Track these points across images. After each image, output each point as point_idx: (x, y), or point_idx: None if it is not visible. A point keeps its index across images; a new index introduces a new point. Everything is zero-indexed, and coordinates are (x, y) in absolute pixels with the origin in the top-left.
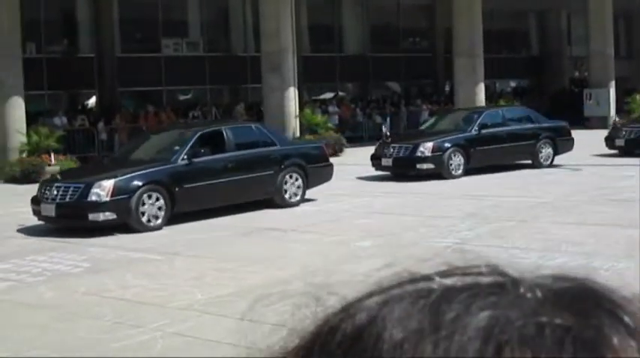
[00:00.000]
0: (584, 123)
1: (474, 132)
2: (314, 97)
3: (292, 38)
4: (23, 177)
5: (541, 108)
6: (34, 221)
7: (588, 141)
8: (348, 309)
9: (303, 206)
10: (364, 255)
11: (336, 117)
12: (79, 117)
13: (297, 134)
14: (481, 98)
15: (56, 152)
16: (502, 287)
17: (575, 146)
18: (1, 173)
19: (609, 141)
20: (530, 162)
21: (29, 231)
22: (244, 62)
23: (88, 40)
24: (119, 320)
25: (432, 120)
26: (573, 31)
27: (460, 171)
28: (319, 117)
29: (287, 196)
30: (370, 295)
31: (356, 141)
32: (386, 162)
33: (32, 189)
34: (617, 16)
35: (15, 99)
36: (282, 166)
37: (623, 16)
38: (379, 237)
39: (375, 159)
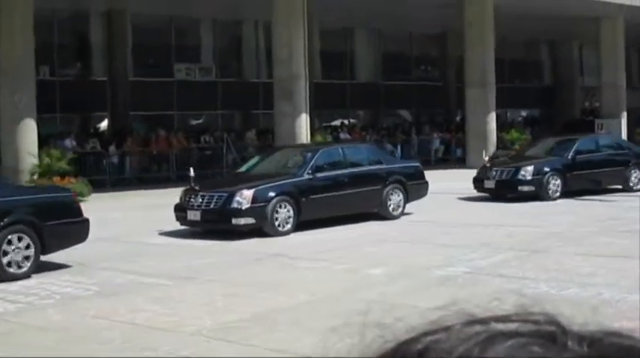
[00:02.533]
0: None
1: (305, 177)
2: (325, 124)
3: (304, 65)
4: None
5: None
6: None
7: None
8: (410, 342)
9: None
10: (376, 282)
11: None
12: (90, 141)
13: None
14: (492, 127)
15: (67, 174)
16: (552, 339)
17: None
18: None
19: (477, 183)
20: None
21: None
22: (256, 88)
23: (101, 63)
24: (128, 344)
25: (254, 160)
26: (585, 61)
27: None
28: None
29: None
30: (428, 333)
31: None
32: None
33: None
34: (629, 46)
35: (27, 121)
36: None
37: (635, 47)
38: (389, 265)
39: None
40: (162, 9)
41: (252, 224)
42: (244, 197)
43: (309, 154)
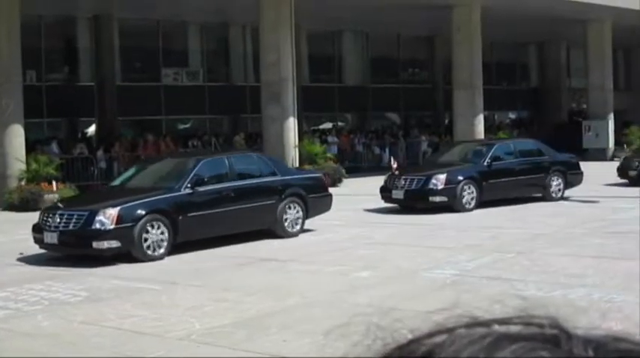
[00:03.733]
0: (583, 154)
1: (184, 191)
2: (313, 127)
3: (292, 68)
4: (22, 205)
5: (542, 139)
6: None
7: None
8: (412, 344)
9: (303, 236)
10: (363, 285)
11: (335, 147)
12: (78, 146)
13: (297, 164)
14: (480, 129)
15: (55, 180)
16: (556, 343)
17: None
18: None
19: (385, 193)
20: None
21: (28, 260)
22: (244, 92)
23: (88, 68)
24: (117, 349)
25: (131, 171)
26: (572, 63)
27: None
28: (318, 147)
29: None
30: (431, 334)
31: (355, 171)
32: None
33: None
34: (616, 48)
35: (15, 126)
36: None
37: (622, 49)
38: (378, 267)
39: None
40: (150, 13)
41: (116, 248)
42: (108, 216)
43: (189, 165)
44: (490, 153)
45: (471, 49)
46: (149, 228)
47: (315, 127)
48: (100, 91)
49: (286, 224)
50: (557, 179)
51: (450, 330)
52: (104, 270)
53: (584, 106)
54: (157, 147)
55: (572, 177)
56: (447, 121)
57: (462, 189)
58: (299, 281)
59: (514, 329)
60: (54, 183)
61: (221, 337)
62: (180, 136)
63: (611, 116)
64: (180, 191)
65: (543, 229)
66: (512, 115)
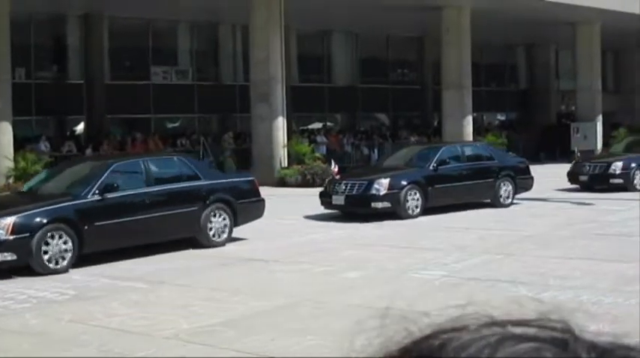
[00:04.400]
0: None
1: (91, 198)
2: (302, 127)
3: (282, 68)
4: None
5: (531, 141)
6: None
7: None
8: (427, 339)
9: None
10: (353, 286)
11: (324, 147)
12: (66, 144)
13: (285, 164)
14: (469, 131)
15: None
16: (564, 346)
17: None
18: None
19: (325, 198)
20: None
21: None
22: (233, 91)
23: (77, 66)
24: (105, 348)
25: (42, 175)
26: (561, 65)
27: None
28: (306, 147)
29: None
30: (445, 331)
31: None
32: None
33: None
34: (605, 50)
35: (3, 124)
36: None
37: (610, 51)
38: (367, 268)
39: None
40: (140, 12)
41: (12, 261)
42: (2, 226)
43: (99, 170)
44: (436, 157)
45: (460, 50)
46: (49, 239)
47: (304, 127)
48: (89, 89)
49: (211, 233)
50: (507, 184)
51: (464, 327)
52: (94, 269)
53: (573, 108)
54: (146, 146)
55: (522, 182)
56: (436, 122)
57: (406, 195)
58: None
59: (528, 330)
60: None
61: (209, 336)
62: (169, 135)
63: (600, 118)
64: (86, 198)
65: (490, 239)
66: (500, 117)
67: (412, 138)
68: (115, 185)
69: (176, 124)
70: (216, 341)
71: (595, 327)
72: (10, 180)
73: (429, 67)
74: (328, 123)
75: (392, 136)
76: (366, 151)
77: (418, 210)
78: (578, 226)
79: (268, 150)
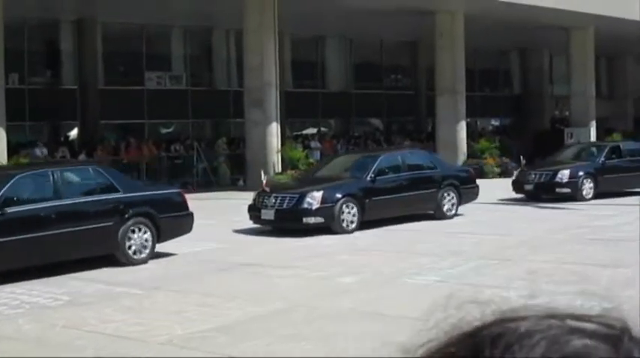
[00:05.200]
0: None
1: None
2: (296, 133)
3: (275, 73)
4: None
5: (524, 146)
6: None
7: None
8: (491, 326)
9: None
10: (348, 290)
11: (318, 152)
12: (60, 149)
13: (279, 169)
14: (462, 136)
15: None
16: (616, 343)
17: None
18: None
19: (253, 213)
20: None
21: None
22: (227, 96)
23: (71, 71)
24: (99, 354)
25: None
26: (555, 70)
27: None
28: (300, 153)
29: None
30: (506, 320)
31: None
32: None
33: None
34: (599, 56)
35: None
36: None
37: (604, 57)
38: (363, 273)
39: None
40: (133, 17)
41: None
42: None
43: (0, 181)
44: (374, 167)
45: (454, 55)
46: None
47: (298, 133)
48: (82, 95)
49: (130, 250)
50: (450, 194)
51: (524, 318)
52: (85, 274)
53: (567, 113)
54: (140, 152)
55: (467, 191)
56: (429, 128)
57: (341, 209)
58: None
59: (586, 326)
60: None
61: (203, 342)
62: (163, 140)
63: (594, 123)
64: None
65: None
66: (494, 122)
67: (406, 144)
68: (17, 198)
69: (170, 130)
70: (210, 347)
71: None
72: None
73: (423, 72)
74: (322, 129)
75: (386, 141)
76: None
77: (354, 224)
78: (515, 241)
79: (262, 155)
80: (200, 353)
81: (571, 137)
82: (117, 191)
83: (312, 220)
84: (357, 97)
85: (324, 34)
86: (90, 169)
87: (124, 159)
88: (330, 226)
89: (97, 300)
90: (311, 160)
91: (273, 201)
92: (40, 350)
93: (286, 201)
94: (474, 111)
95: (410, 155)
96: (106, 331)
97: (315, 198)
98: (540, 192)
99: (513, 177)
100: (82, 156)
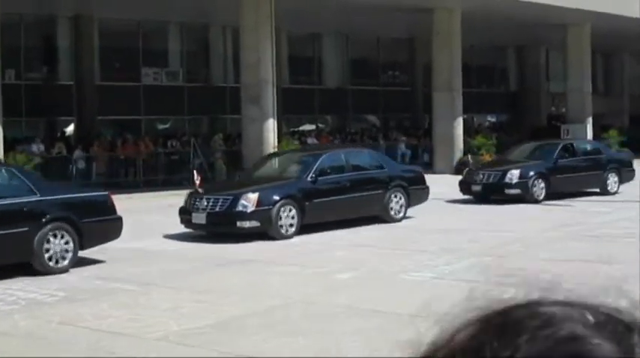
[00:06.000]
0: None
1: None
2: (293, 129)
3: (272, 70)
4: None
5: (521, 143)
6: None
7: None
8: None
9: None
10: (344, 286)
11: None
12: (56, 145)
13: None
14: (459, 132)
15: None
16: (629, 331)
17: None
18: None
19: (184, 216)
20: None
21: None
22: (224, 93)
23: (67, 67)
24: (94, 349)
25: None
26: (551, 67)
27: None
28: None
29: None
30: (542, 304)
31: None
32: None
33: None
34: (595, 52)
35: None
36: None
37: (601, 53)
38: (357, 269)
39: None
40: (130, 13)
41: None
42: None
43: None
44: (315, 167)
45: (451, 52)
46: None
47: (295, 129)
48: (79, 91)
49: (48, 258)
50: (398, 196)
51: (555, 303)
52: (81, 270)
53: (563, 110)
54: (136, 147)
55: (416, 193)
56: (426, 124)
57: (279, 211)
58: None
59: (599, 318)
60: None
61: (199, 338)
62: (160, 136)
63: (590, 120)
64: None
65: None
66: (491, 118)
67: (403, 138)
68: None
69: (166, 126)
70: (206, 343)
71: None
72: None
73: (420, 68)
74: (319, 125)
75: (384, 137)
76: None
77: (293, 228)
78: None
79: (259, 151)
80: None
81: (567, 134)
82: (33, 194)
83: (246, 224)
84: (354, 94)
85: (320, 31)
86: (3, 171)
87: (120, 155)
88: (267, 231)
89: (92, 296)
90: None
91: (205, 203)
92: (34, 346)
93: (219, 204)
94: (470, 107)
95: (355, 154)
96: (101, 327)
97: (249, 200)
98: (489, 194)
99: (461, 177)
100: (78, 152)
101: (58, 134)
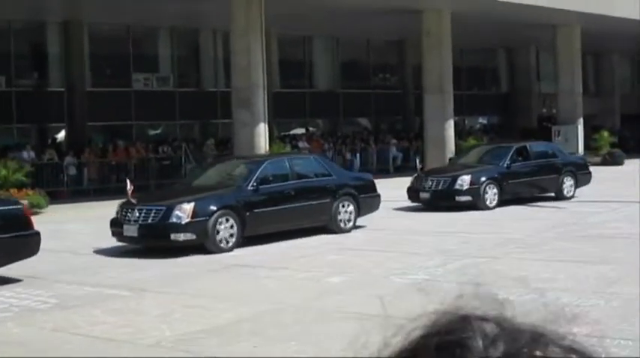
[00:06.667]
0: None
1: None
2: (284, 133)
3: (263, 73)
4: None
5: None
6: None
7: None
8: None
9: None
10: (335, 290)
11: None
12: (47, 151)
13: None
14: (450, 134)
15: (25, 186)
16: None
17: None
18: None
19: (115, 228)
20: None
21: None
22: (214, 97)
23: (58, 73)
24: (88, 356)
25: None
26: (542, 68)
27: None
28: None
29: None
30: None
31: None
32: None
33: None
34: (586, 53)
35: None
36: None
37: (591, 54)
38: (349, 273)
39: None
40: (120, 18)
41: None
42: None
43: None
44: (256, 175)
45: (441, 53)
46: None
47: (286, 133)
48: (69, 97)
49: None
50: (347, 205)
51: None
52: (72, 277)
53: (554, 111)
54: (127, 153)
55: (366, 201)
56: (418, 126)
57: (216, 223)
58: (268, 287)
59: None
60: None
61: (192, 344)
62: (151, 142)
63: (581, 121)
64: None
65: (513, 233)
66: (482, 120)
67: (394, 141)
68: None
69: (158, 131)
70: (199, 349)
71: (576, 329)
72: None
73: (410, 70)
74: (310, 129)
75: (375, 141)
76: (348, 156)
77: (233, 240)
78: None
79: None
80: None
81: (558, 135)
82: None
83: (181, 237)
84: (345, 97)
85: (310, 34)
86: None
87: (112, 161)
88: (204, 244)
89: (85, 303)
90: None
91: (137, 214)
92: (27, 354)
93: (151, 215)
94: (461, 109)
95: (300, 161)
96: (93, 334)
97: (184, 211)
98: (438, 201)
99: (409, 184)
100: (69, 159)
101: (49, 141)
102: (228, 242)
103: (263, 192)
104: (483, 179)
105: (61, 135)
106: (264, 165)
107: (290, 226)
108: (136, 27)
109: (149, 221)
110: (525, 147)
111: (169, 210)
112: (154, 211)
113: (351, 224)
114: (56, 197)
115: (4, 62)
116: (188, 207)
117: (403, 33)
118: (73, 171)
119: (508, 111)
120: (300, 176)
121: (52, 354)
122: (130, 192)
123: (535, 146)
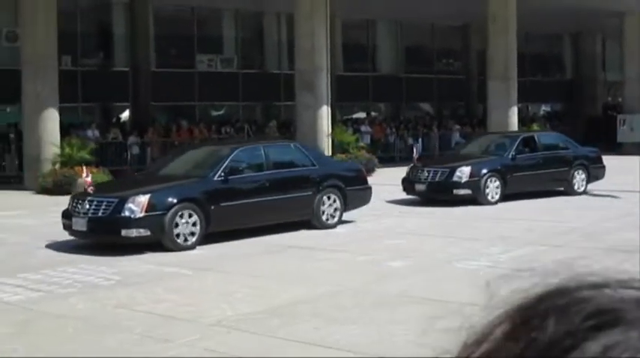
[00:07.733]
0: (617, 149)
1: None
2: (346, 116)
3: (326, 56)
4: (55, 189)
5: (575, 133)
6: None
7: (621, 168)
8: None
9: (340, 227)
10: (396, 275)
11: (368, 136)
12: (112, 131)
13: (330, 153)
14: (514, 121)
15: (88, 164)
16: None
17: (607, 173)
18: (34, 184)
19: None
20: None
21: (60, 243)
22: (278, 79)
23: (123, 54)
24: (148, 333)
25: None
26: (608, 55)
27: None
28: (350, 137)
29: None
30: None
31: (388, 161)
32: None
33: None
34: None
35: (50, 110)
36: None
37: None
38: (410, 257)
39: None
40: (185, 0)
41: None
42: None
43: None
44: (225, 164)
45: (507, 40)
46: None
47: (348, 116)
48: (134, 77)
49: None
50: (331, 198)
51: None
52: (136, 256)
53: (620, 99)
54: (191, 134)
55: (354, 194)
56: (481, 113)
57: (174, 218)
58: (328, 270)
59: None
60: (84, 167)
61: (252, 323)
62: (214, 122)
63: None
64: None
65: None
66: (546, 107)
67: (457, 126)
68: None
69: (221, 112)
70: (259, 329)
71: None
72: (57, 166)
73: (474, 56)
74: (372, 113)
75: (438, 126)
76: (410, 141)
77: (194, 238)
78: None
79: (312, 139)
80: None
81: (623, 124)
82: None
83: (133, 233)
84: (408, 81)
85: (374, 18)
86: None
87: (174, 141)
88: (161, 240)
89: (147, 280)
90: (361, 144)
91: (87, 206)
92: (88, 329)
93: (102, 208)
94: (525, 96)
95: (278, 149)
96: (155, 311)
97: (138, 204)
98: (434, 194)
99: (404, 174)
100: (132, 138)
101: (114, 120)
102: (187, 239)
103: (232, 184)
104: (485, 171)
105: (125, 114)
106: (234, 152)
107: (265, 221)
108: (200, 8)
109: (99, 214)
110: (533, 137)
111: (121, 203)
112: (104, 203)
113: (335, 219)
114: (119, 176)
115: (70, 42)
116: (142, 199)
117: (468, 17)
118: (136, 150)
119: (572, 98)
120: (277, 165)
121: (112, 330)
122: (87, 181)
123: (544, 137)
